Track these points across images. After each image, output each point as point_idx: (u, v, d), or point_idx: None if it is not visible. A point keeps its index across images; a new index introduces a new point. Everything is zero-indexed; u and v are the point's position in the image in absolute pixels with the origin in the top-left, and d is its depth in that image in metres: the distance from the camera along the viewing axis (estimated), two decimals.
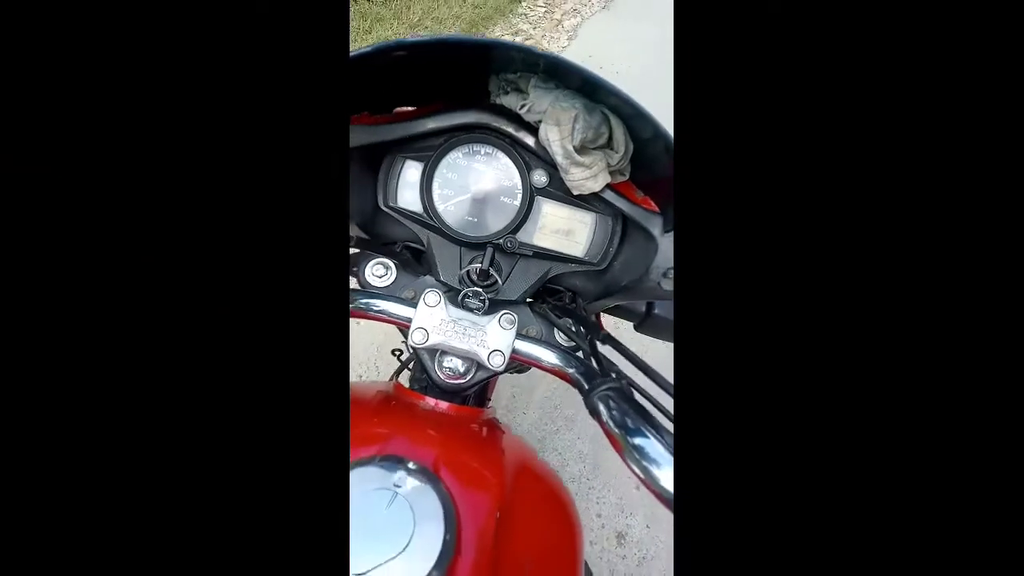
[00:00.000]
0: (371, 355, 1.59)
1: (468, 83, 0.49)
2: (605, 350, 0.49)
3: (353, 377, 1.52)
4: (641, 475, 0.32)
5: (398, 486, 0.37)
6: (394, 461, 0.39)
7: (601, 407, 0.38)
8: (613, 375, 0.42)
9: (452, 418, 0.51)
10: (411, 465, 0.39)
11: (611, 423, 0.37)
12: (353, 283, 0.53)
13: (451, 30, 2.97)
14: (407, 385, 0.57)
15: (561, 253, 0.54)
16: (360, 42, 2.65)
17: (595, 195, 0.49)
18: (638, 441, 0.34)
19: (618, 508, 1.43)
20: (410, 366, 0.68)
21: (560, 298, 0.58)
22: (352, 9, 2.83)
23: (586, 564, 0.48)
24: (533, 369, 0.50)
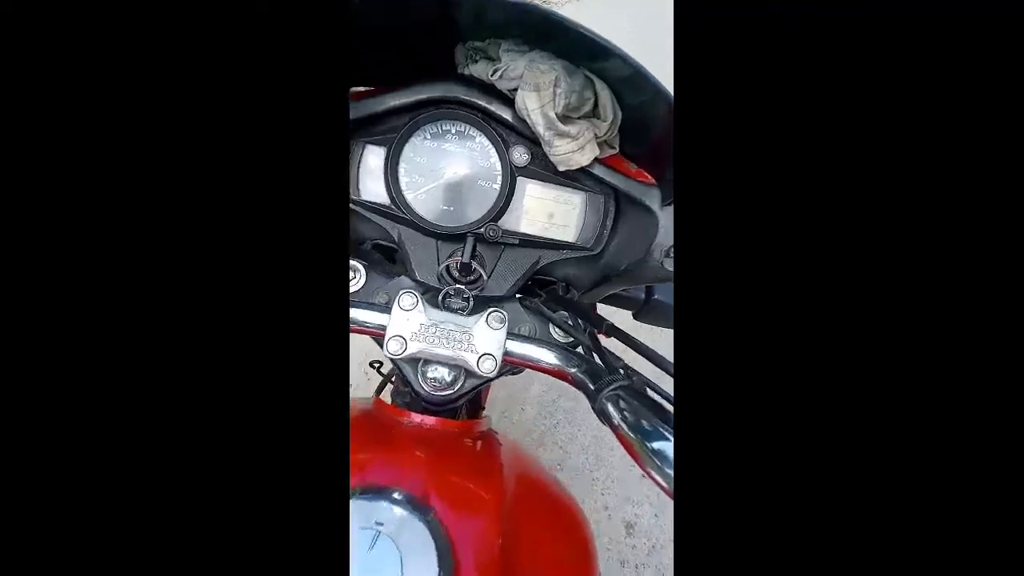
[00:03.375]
0: (361, 370, 1.52)
1: (431, 54, 0.43)
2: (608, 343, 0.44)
3: None
4: (663, 483, 0.27)
5: (380, 523, 0.33)
6: (376, 492, 0.35)
7: (611, 409, 0.33)
8: (621, 371, 0.37)
9: (441, 434, 0.46)
10: (396, 495, 0.35)
11: (624, 426, 0.32)
12: None
13: None
14: (390, 401, 0.52)
15: (550, 239, 0.49)
16: None
17: (583, 171, 0.44)
18: (657, 445, 0.29)
19: (625, 499, 1.40)
20: (393, 379, 0.62)
21: (553, 290, 0.53)
22: None
23: None
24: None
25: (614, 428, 0.33)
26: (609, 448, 1.45)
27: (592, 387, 0.37)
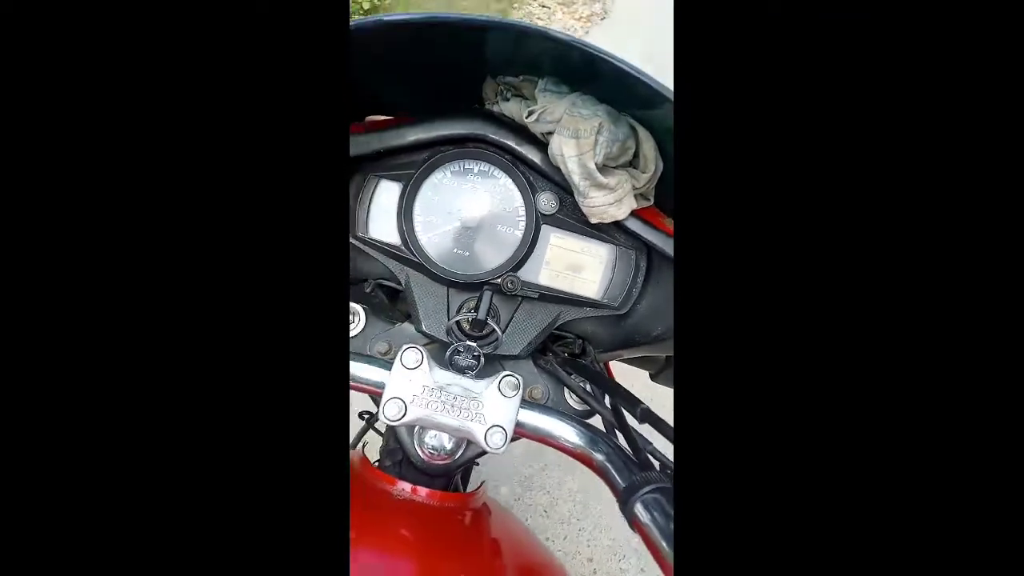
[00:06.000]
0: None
1: (458, 87, 0.40)
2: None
3: None
4: None
5: None
6: None
7: (646, 517, 0.28)
8: (657, 464, 0.32)
9: (434, 511, 0.41)
10: None
11: (663, 543, 0.27)
12: None
13: None
14: (376, 459, 0.46)
15: (573, 295, 0.44)
16: None
17: (614, 224, 0.40)
18: None
19: (611, 551, 1.32)
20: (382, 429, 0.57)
21: (566, 345, 0.49)
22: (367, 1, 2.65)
23: None
24: None
25: (648, 540, 0.28)
26: (596, 496, 1.38)
27: (621, 483, 0.32)
